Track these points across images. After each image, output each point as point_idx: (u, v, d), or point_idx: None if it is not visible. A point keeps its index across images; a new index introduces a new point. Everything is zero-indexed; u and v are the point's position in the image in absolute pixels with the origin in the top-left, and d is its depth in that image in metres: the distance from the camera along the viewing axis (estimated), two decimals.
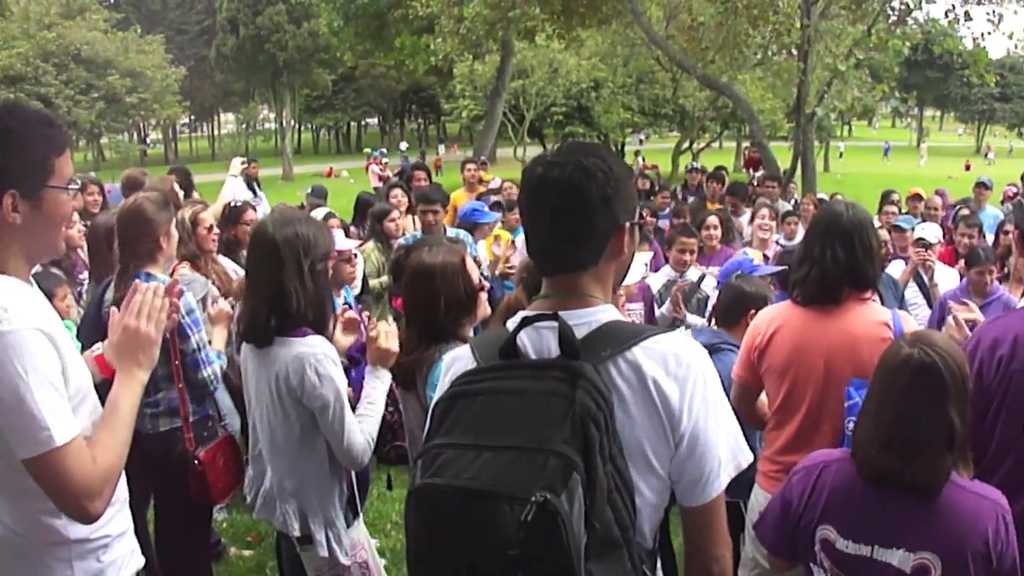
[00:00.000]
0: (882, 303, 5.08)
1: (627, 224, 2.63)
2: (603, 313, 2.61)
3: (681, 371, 2.49)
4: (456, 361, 2.84)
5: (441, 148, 79.03)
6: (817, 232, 4.66)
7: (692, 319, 7.81)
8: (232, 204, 8.76)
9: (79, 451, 2.83)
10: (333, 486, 4.52)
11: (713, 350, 5.48)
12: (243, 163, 12.81)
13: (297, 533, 4.47)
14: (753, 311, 5.64)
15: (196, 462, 5.32)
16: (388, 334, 4.60)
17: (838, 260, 4.47)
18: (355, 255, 7.92)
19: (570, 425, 2.27)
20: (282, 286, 4.27)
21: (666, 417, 2.47)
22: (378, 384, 4.57)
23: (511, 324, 2.66)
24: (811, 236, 4.72)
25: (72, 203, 3.16)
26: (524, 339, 2.61)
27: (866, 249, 4.55)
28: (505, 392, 2.43)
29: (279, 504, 4.50)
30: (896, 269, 9.18)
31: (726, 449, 2.55)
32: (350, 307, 6.95)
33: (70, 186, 3.05)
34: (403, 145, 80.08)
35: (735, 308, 5.92)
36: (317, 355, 4.26)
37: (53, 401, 2.79)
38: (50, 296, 3.21)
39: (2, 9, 57.95)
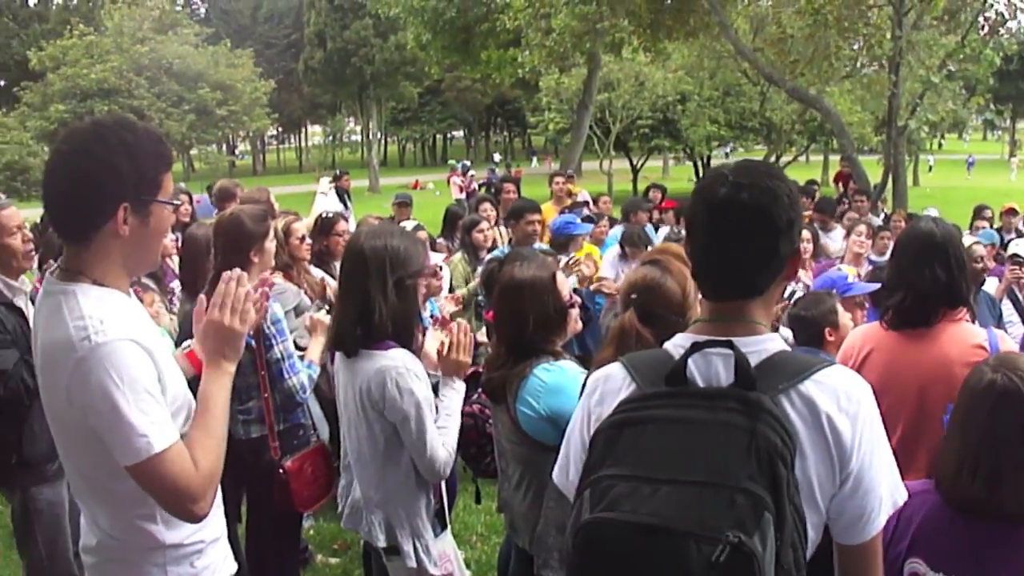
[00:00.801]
0: (974, 321, 4.96)
1: (800, 247, 2.57)
2: (772, 342, 2.55)
3: (852, 407, 2.42)
4: (605, 381, 2.72)
5: (534, 161, 79.00)
6: (910, 253, 4.56)
7: (783, 332, 7.72)
8: (325, 215, 8.85)
9: (179, 455, 2.87)
10: (419, 497, 4.52)
11: None
12: (332, 181, 12.99)
13: (383, 544, 4.49)
14: (828, 328, 5.61)
15: (281, 471, 5.38)
16: (460, 345, 4.62)
17: (937, 281, 4.39)
18: (440, 268, 7.95)
19: (755, 461, 2.19)
20: (367, 298, 4.29)
21: (837, 455, 2.39)
22: (453, 395, 4.58)
23: (674, 348, 2.60)
24: (904, 258, 4.61)
25: (172, 217, 3.20)
26: (691, 366, 2.49)
27: (960, 265, 4.47)
28: (677, 422, 2.34)
29: (365, 514, 4.53)
30: (990, 286, 9.03)
31: (887, 487, 2.49)
32: (436, 320, 6.97)
33: (174, 202, 3.10)
34: (496, 157, 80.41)
35: (809, 335, 5.81)
36: (399, 368, 4.26)
37: (150, 408, 2.84)
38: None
39: (97, 24, 59.06)
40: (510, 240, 9.82)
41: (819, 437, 2.38)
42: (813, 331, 5.71)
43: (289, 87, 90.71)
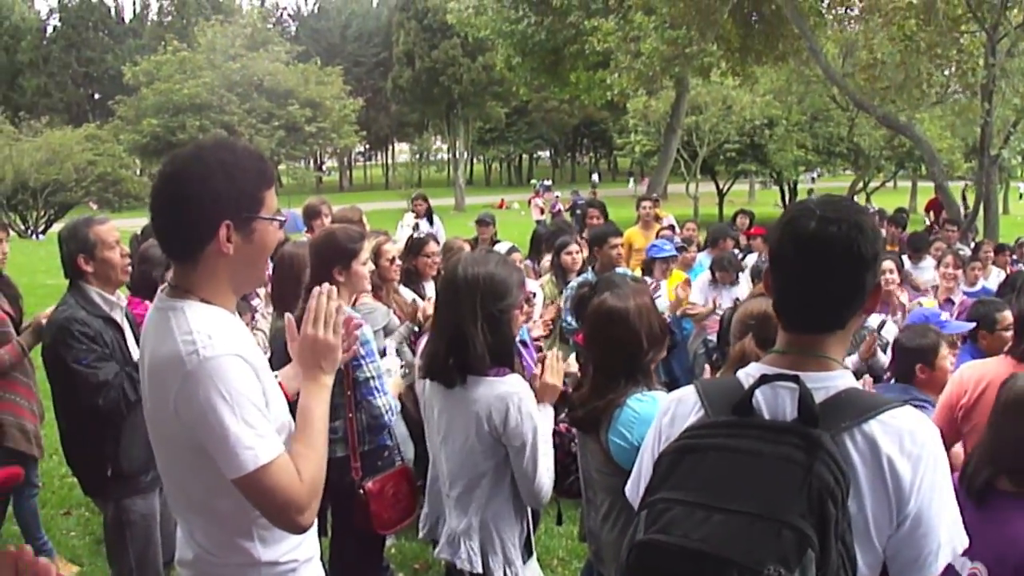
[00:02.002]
0: None
1: (881, 281, 2.59)
2: (842, 380, 2.56)
3: (916, 450, 2.43)
4: (678, 404, 2.80)
5: (631, 182, 78.66)
6: None
7: (880, 356, 7.67)
8: (415, 236, 8.93)
9: (285, 467, 2.92)
10: (515, 525, 4.52)
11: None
12: (415, 216, 13.30)
13: (479, 570, 4.47)
14: (920, 364, 5.55)
15: (361, 492, 5.43)
16: (553, 369, 4.64)
17: None
18: (534, 295, 7.98)
19: (807, 498, 2.22)
20: (460, 328, 4.29)
21: (895, 497, 2.40)
22: (545, 421, 4.56)
23: (745, 378, 2.64)
24: None
25: (279, 233, 3.27)
26: (759, 397, 2.54)
27: None
28: (737, 451, 2.39)
29: (463, 542, 4.50)
30: None
31: (947, 533, 2.47)
32: (526, 345, 6.99)
33: (278, 217, 3.14)
34: (595, 178, 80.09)
35: (902, 364, 5.76)
36: (520, 394, 4.28)
37: (257, 421, 2.89)
38: None
39: (190, 40, 59.99)
40: (593, 265, 9.82)
41: (878, 478, 2.40)
42: (907, 362, 5.67)
43: (377, 105, 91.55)
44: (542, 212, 39.37)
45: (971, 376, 4.66)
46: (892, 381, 6.01)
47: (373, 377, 5.59)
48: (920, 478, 2.41)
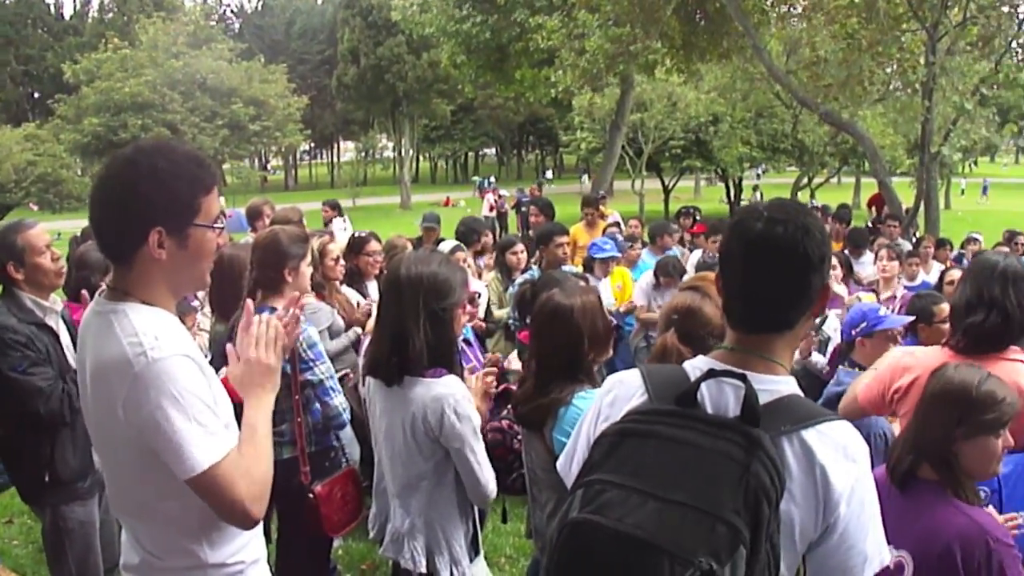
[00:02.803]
0: None
1: (829, 284, 2.63)
2: (786, 385, 2.60)
3: (848, 464, 2.48)
4: (620, 385, 2.82)
5: (585, 178, 78.67)
6: (990, 275, 4.57)
7: (816, 358, 7.72)
8: (357, 235, 8.90)
9: (236, 463, 2.93)
10: (460, 523, 4.53)
11: None
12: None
13: (424, 570, 4.48)
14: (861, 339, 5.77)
15: (311, 495, 5.40)
16: (476, 391, 4.73)
17: (1021, 307, 4.43)
18: (478, 295, 7.97)
19: (743, 496, 2.23)
20: (402, 327, 4.30)
21: (824, 505, 2.45)
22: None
23: (691, 370, 2.67)
24: (983, 279, 4.60)
25: (219, 240, 3.25)
26: (704, 391, 2.56)
27: None
28: (678, 442, 2.39)
29: (407, 541, 4.51)
30: None
31: (873, 546, 2.53)
32: (470, 344, 6.98)
33: (216, 224, 3.13)
34: (548, 174, 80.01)
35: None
36: (456, 395, 4.29)
37: (207, 420, 2.90)
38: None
39: (131, 38, 59.32)
40: (539, 263, 9.85)
41: (810, 484, 2.44)
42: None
43: (322, 103, 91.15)
44: (492, 209, 39.39)
45: (908, 362, 4.71)
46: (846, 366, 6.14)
47: (326, 378, 5.60)
48: (851, 490, 2.46)
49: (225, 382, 3.47)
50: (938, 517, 3.58)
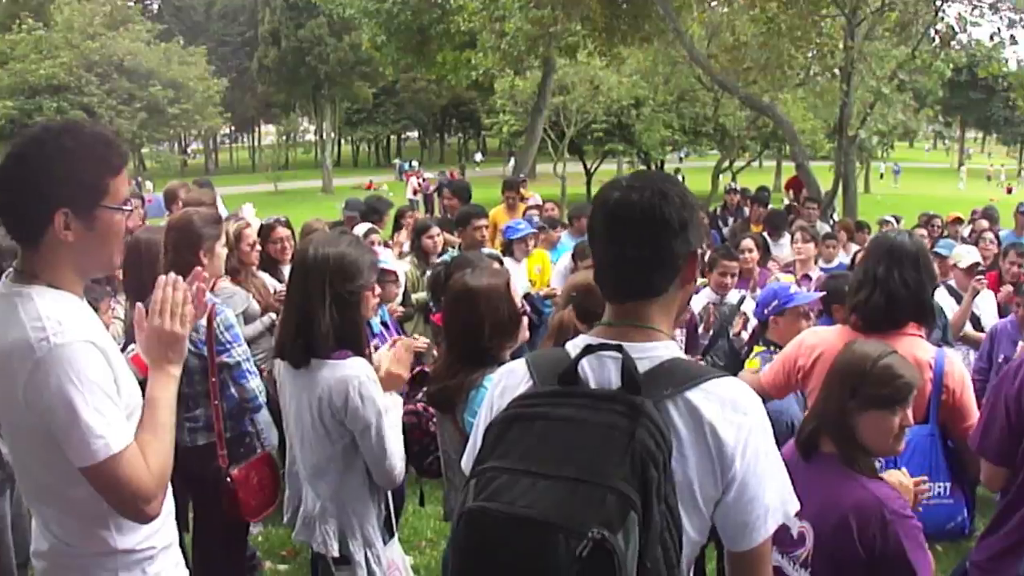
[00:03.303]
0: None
1: (697, 251, 2.63)
2: (666, 349, 2.60)
3: (737, 417, 2.48)
4: (509, 375, 2.82)
5: (512, 161, 78.65)
6: (879, 254, 4.65)
7: (745, 336, 7.79)
8: (264, 222, 8.84)
9: (134, 456, 2.89)
10: (371, 506, 4.50)
11: None
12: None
13: (336, 554, 4.45)
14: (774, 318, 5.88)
15: (228, 480, 5.35)
16: (397, 359, 4.62)
17: (907, 284, 4.48)
18: (396, 277, 7.94)
19: (630, 462, 2.25)
20: (308, 309, 4.26)
21: (718, 462, 2.46)
22: (393, 408, 4.55)
23: (572, 348, 2.67)
24: (873, 258, 4.69)
25: (127, 222, 3.20)
26: (585, 367, 2.58)
27: (930, 276, 4.58)
28: (563, 420, 2.39)
29: (319, 525, 4.48)
30: (940, 296, 9.15)
31: (775, 497, 2.54)
32: (387, 327, 6.94)
33: (124, 207, 3.09)
34: (478, 157, 79.96)
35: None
36: (360, 377, 4.24)
37: (107, 410, 2.86)
38: (94, 309, 3.26)
39: (46, 19, 58.34)
40: (459, 245, 9.86)
41: (701, 443, 2.46)
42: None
43: (243, 86, 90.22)
44: (415, 192, 39.40)
45: (811, 342, 4.79)
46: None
47: (243, 360, 5.56)
48: (743, 444, 2.47)
49: (137, 359, 3.41)
50: (835, 489, 3.63)
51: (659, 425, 2.34)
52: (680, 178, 50.81)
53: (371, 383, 4.29)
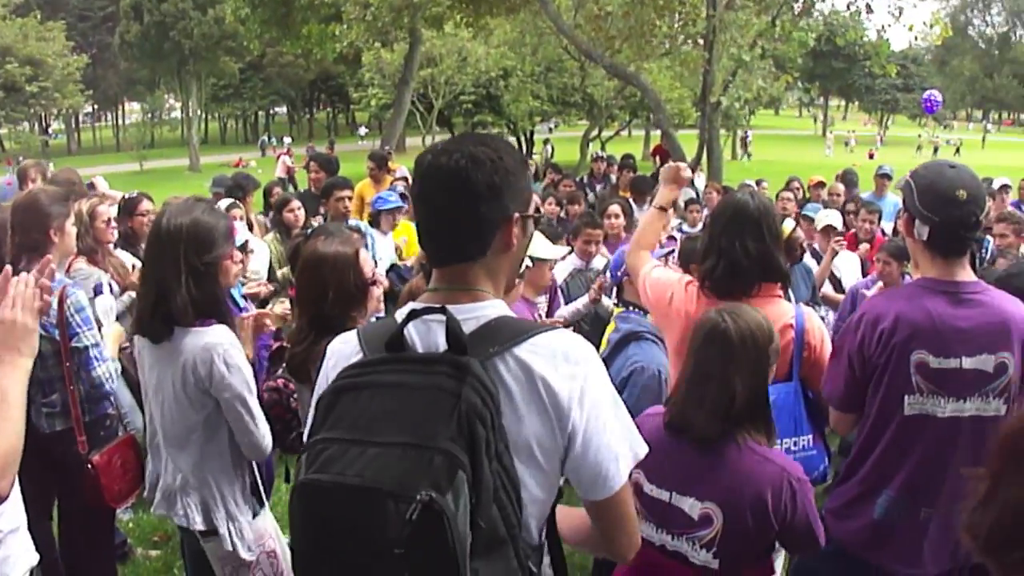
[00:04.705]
0: (791, 295, 5.11)
1: (517, 215, 2.59)
2: (492, 308, 2.58)
3: (570, 368, 2.46)
4: (341, 347, 2.78)
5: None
6: (722, 222, 4.67)
7: (606, 301, 7.84)
8: (127, 196, 8.69)
9: None
10: (235, 479, 4.46)
11: (637, 337, 5.55)
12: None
13: (201, 527, 4.40)
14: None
15: (89, 465, 5.22)
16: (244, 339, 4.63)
17: (748, 251, 4.51)
18: (247, 244, 7.86)
19: (456, 422, 2.24)
20: (165, 281, 4.18)
21: (555, 415, 2.43)
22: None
23: (399, 316, 2.62)
24: (716, 226, 4.71)
25: None
26: (412, 332, 2.57)
27: (774, 238, 4.61)
28: (390, 386, 2.38)
29: (180, 498, 4.42)
30: (806, 258, 9.37)
31: (622, 443, 2.54)
32: (241, 309, 6.87)
33: None
34: (362, 131, 79.30)
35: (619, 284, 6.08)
36: (224, 344, 4.21)
37: None
38: None
39: None
40: (325, 216, 9.83)
41: (535, 398, 2.43)
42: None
43: (105, 62, 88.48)
44: (288, 170, 39.00)
45: (682, 298, 4.81)
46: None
47: (92, 346, 5.39)
48: (580, 394, 2.46)
49: None
50: (740, 466, 3.63)
51: (485, 383, 2.34)
52: (549, 148, 51.35)
53: (236, 350, 4.26)
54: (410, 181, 14.38)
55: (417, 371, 2.40)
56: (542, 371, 2.44)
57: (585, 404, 2.46)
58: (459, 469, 2.19)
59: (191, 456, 4.39)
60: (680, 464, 3.69)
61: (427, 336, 2.56)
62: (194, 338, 4.21)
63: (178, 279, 4.15)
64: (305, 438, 2.74)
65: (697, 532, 3.66)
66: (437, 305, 2.52)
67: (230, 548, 4.42)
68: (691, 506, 3.65)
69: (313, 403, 2.60)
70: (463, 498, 2.19)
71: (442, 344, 2.49)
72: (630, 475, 2.58)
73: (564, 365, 2.47)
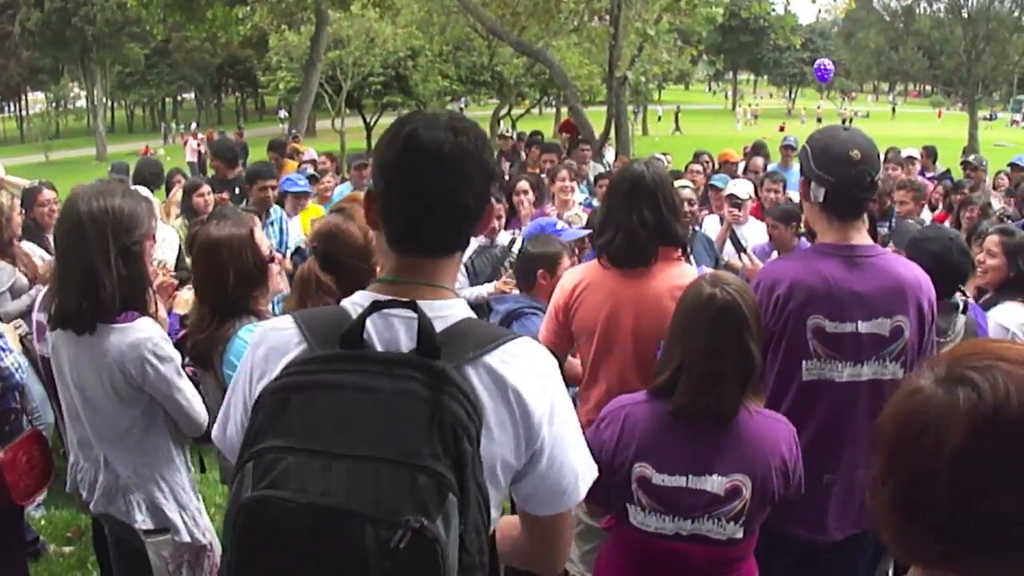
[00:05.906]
0: (691, 261, 5.14)
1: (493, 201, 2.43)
2: (458, 308, 2.36)
3: (542, 382, 2.29)
4: (274, 334, 2.41)
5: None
6: (619, 195, 4.69)
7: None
8: (28, 186, 8.59)
9: None
10: (177, 469, 4.42)
11: (517, 316, 5.56)
12: None
13: (149, 526, 4.31)
14: (542, 271, 5.77)
15: None
16: None
17: (646, 223, 4.52)
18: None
19: (439, 436, 2.00)
20: (91, 268, 4.02)
21: (524, 430, 2.25)
22: None
23: (351, 306, 2.36)
24: (614, 199, 4.74)
25: None
26: (369, 328, 2.25)
27: (671, 207, 4.63)
28: (353, 389, 2.08)
29: (123, 496, 4.32)
30: (711, 226, 9.46)
31: (582, 462, 2.41)
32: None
33: None
34: (282, 114, 78.46)
35: (525, 270, 5.97)
36: (153, 339, 4.12)
37: None
38: None
39: None
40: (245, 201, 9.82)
41: (506, 412, 2.23)
42: (531, 269, 5.88)
43: (5, 52, 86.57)
44: (199, 156, 38.66)
45: (571, 280, 4.81)
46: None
47: None
48: (550, 411, 2.29)
49: None
50: (761, 432, 3.64)
51: (467, 392, 2.11)
52: None
53: (163, 341, 4.18)
54: (320, 163, 14.35)
55: (382, 373, 2.11)
56: (516, 383, 2.24)
57: (555, 422, 2.31)
58: (449, 491, 1.97)
59: (131, 454, 4.30)
60: (692, 446, 3.60)
61: (387, 333, 2.29)
62: (120, 336, 4.09)
63: (107, 261, 4.00)
64: (219, 433, 2.56)
65: (723, 508, 3.58)
66: (406, 300, 2.25)
67: (187, 539, 4.36)
68: (715, 483, 3.56)
69: (240, 393, 2.42)
70: (454, 524, 1.97)
71: (404, 343, 2.27)
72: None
73: (537, 378, 2.29)
